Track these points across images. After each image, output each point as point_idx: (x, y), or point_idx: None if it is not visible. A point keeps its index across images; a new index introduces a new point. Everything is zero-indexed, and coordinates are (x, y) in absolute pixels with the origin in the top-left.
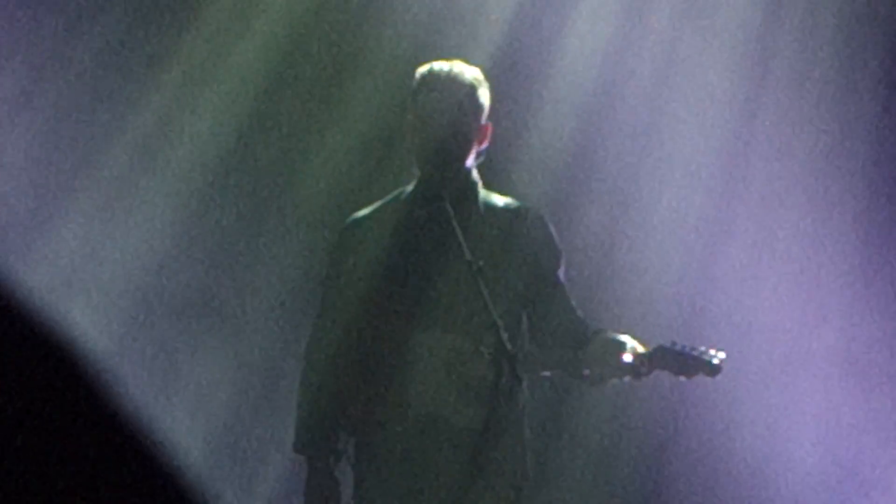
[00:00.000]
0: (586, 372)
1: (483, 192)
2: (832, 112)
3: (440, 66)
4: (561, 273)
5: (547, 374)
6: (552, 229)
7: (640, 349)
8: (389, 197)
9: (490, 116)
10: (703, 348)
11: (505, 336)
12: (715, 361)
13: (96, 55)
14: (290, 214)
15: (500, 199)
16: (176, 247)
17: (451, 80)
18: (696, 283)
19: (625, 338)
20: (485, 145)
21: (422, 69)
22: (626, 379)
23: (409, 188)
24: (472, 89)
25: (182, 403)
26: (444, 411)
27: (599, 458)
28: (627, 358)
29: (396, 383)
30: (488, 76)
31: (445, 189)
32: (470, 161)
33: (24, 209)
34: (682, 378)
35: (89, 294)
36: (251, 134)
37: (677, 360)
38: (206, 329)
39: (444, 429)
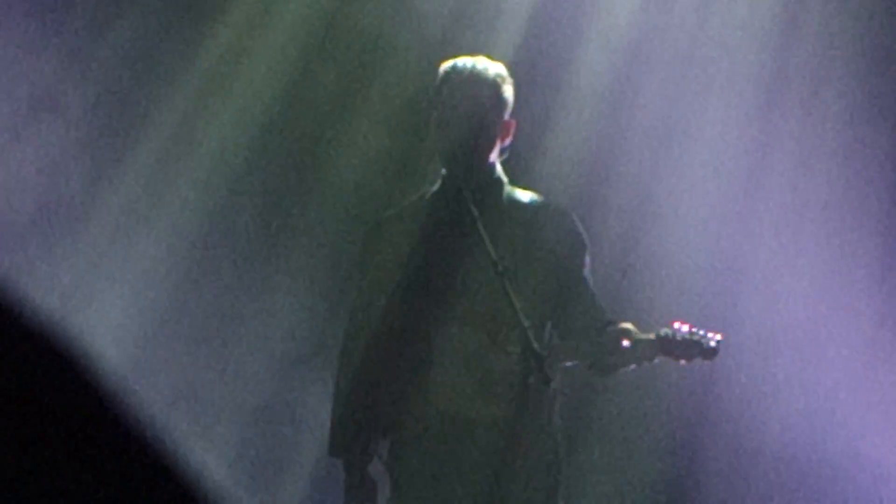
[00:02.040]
0: (592, 361)
1: (508, 189)
2: (855, 106)
3: (464, 62)
4: (586, 268)
5: (568, 364)
6: (578, 224)
7: (641, 336)
8: (415, 196)
9: (513, 112)
10: (701, 332)
11: (532, 335)
12: (712, 344)
13: (118, 59)
14: (315, 216)
15: (524, 195)
16: (197, 251)
17: (475, 76)
18: (719, 279)
19: (626, 325)
20: (508, 141)
21: (445, 65)
22: (632, 367)
23: (434, 187)
24: (495, 85)
25: (206, 413)
26: (465, 408)
27: (626, 449)
28: (626, 343)
29: (420, 381)
30: (510, 72)
31: (469, 186)
32: (494, 157)
33: (43, 216)
34: (682, 362)
35: (106, 306)
36: (274, 134)
37: (676, 345)
38: (231, 335)
39: (467, 426)
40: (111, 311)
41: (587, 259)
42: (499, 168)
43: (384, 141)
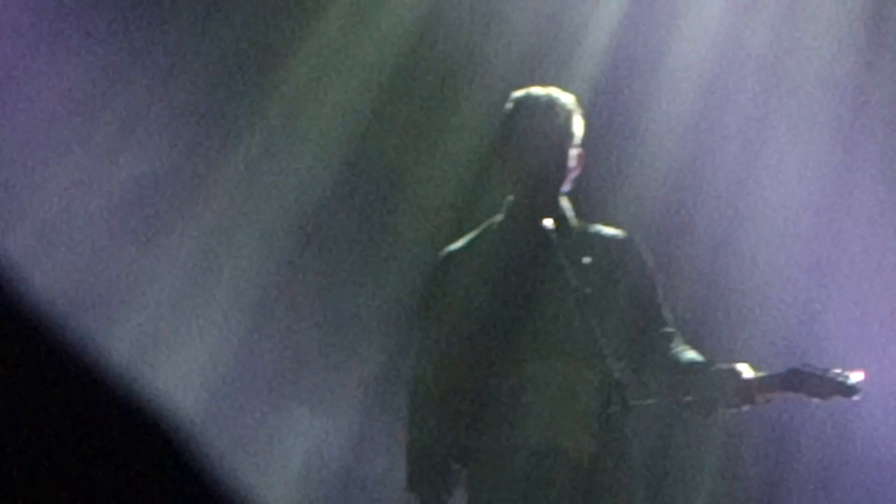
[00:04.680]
0: (690, 399)
1: (574, 220)
2: None
3: (538, 92)
4: (660, 298)
5: (650, 401)
6: (646, 253)
7: (762, 374)
8: (481, 228)
9: (586, 141)
10: (836, 370)
11: (613, 365)
12: (851, 382)
13: (216, 62)
14: (405, 226)
15: (591, 227)
16: (284, 272)
17: (550, 106)
18: (809, 291)
19: (742, 366)
20: (577, 172)
21: (518, 95)
22: (746, 408)
23: (500, 218)
24: (568, 116)
25: (279, 456)
26: (559, 440)
27: (713, 483)
28: (747, 377)
29: (511, 414)
30: (595, 90)
31: (542, 216)
32: (566, 188)
33: (140, 226)
34: (816, 400)
35: (203, 311)
36: (366, 140)
37: (812, 382)
38: (312, 370)
39: (559, 458)
40: (207, 320)
41: (660, 288)
42: (566, 200)
43: (474, 152)
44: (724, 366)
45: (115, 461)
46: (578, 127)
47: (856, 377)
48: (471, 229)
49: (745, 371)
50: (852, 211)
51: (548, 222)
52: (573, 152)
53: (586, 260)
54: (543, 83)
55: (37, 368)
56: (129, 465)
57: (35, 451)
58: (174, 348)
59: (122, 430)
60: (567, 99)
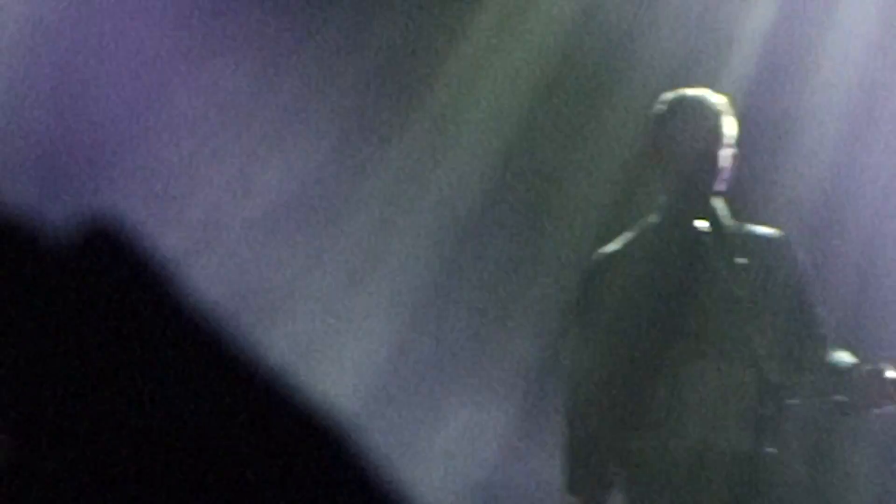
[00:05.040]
0: (840, 399)
1: (728, 220)
2: None
3: (690, 94)
4: (813, 298)
5: (803, 401)
6: (800, 253)
7: None
8: (636, 229)
9: (739, 140)
10: None
11: (767, 365)
12: None
13: (369, 63)
14: (559, 225)
15: (746, 227)
16: (444, 268)
17: (702, 108)
18: None
19: (891, 366)
20: (731, 172)
21: (669, 97)
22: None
23: (655, 219)
24: (720, 118)
25: (435, 454)
26: (717, 440)
27: (870, 482)
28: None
29: (668, 414)
30: (747, 91)
31: (696, 217)
32: (719, 189)
33: (301, 217)
34: None
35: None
36: (520, 139)
37: None
38: (465, 374)
39: (717, 458)
40: (370, 305)
41: (812, 288)
42: (721, 201)
43: (625, 154)
44: (873, 366)
45: (277, 458)
46: (730, 128)
47: None
48: (625, 230)
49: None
50: None
51: (702, 223)
52: (726, 153)
53: (741, 260)
54: (695, 84)
55: (199, 370)
56: (290, 461)
57: (200, 448)
58: (332, 347)
59: (283, 428)
60: (719, 100)
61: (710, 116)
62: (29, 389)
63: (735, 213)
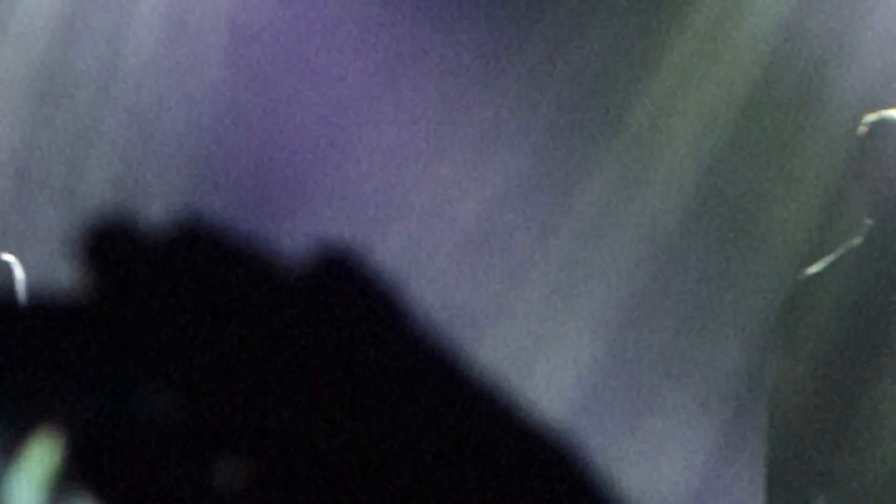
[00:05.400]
0: None
1: None
2: None
3: (891, 115)
4: None
5: None
6: None
7: None
8: (838, 253)
9: None
10: None
11: None
12: None
13: (588, 61)
14: (762, 240)
15: None
16: (661, 268)
17: None
18: None
19: None
20: None
21: (871, 118)
22: None
23: (858, 241)
24: None
25: (646, 462)
26: None
27: None
28: None
29: (873, 435)
30: None
31: None
32: None
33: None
34: None
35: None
36: (725, 156)
37: None
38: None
39: None
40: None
41: None
42: None
43: (830, 174)
44: None
45: (493, 467)
46: None
47: None
48: (827, 250)
49: None
50: None
51: None
52: None
53: None
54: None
55: (412, 376)
56: (506, 471)
57: (414, 459)
58: (539, 358)
59: (499, 436)
60: None
61: None
62: (260, 411)
63: None
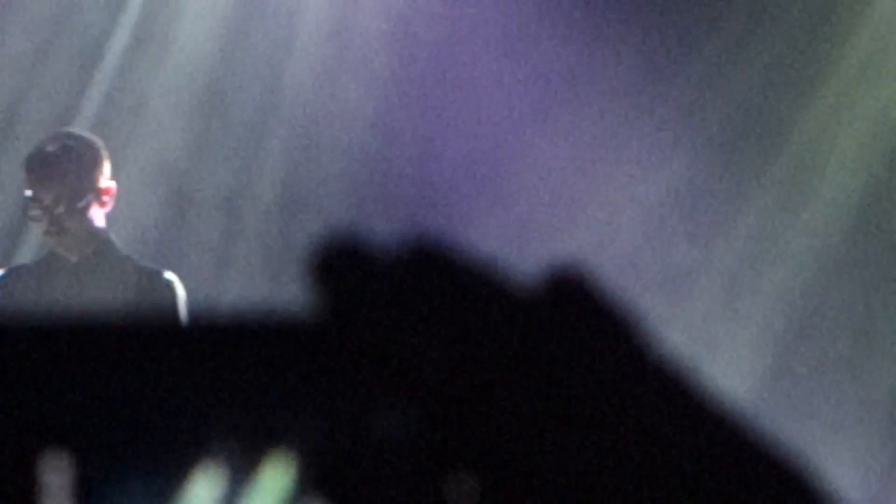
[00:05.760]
0: None
1: None
2: None
3: None
4: None
5: None
6: None
7: None
8: None
9: None
10: None
11: None
12: None
13: (751, 79)
14: None
15: None
16: (830, 277)
17: None
18: None
19: None
20: None
21: None
22: None
23: None
24: None
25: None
26: None
27: None
28: None
29: None
30: None
31: None
32: None
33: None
34: None
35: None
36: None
37: None
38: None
39: None
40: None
41: None
42: None
43: None
44: None
45: (672, 454)
46: None
47: None
48: None
49: None
50: None
51: None
52: None
53: None
54: None
55: (649, 393)
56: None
57: (657, 477)
58: (714, 361)
59: (678, 418)
60: None
61: None
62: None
63: None
